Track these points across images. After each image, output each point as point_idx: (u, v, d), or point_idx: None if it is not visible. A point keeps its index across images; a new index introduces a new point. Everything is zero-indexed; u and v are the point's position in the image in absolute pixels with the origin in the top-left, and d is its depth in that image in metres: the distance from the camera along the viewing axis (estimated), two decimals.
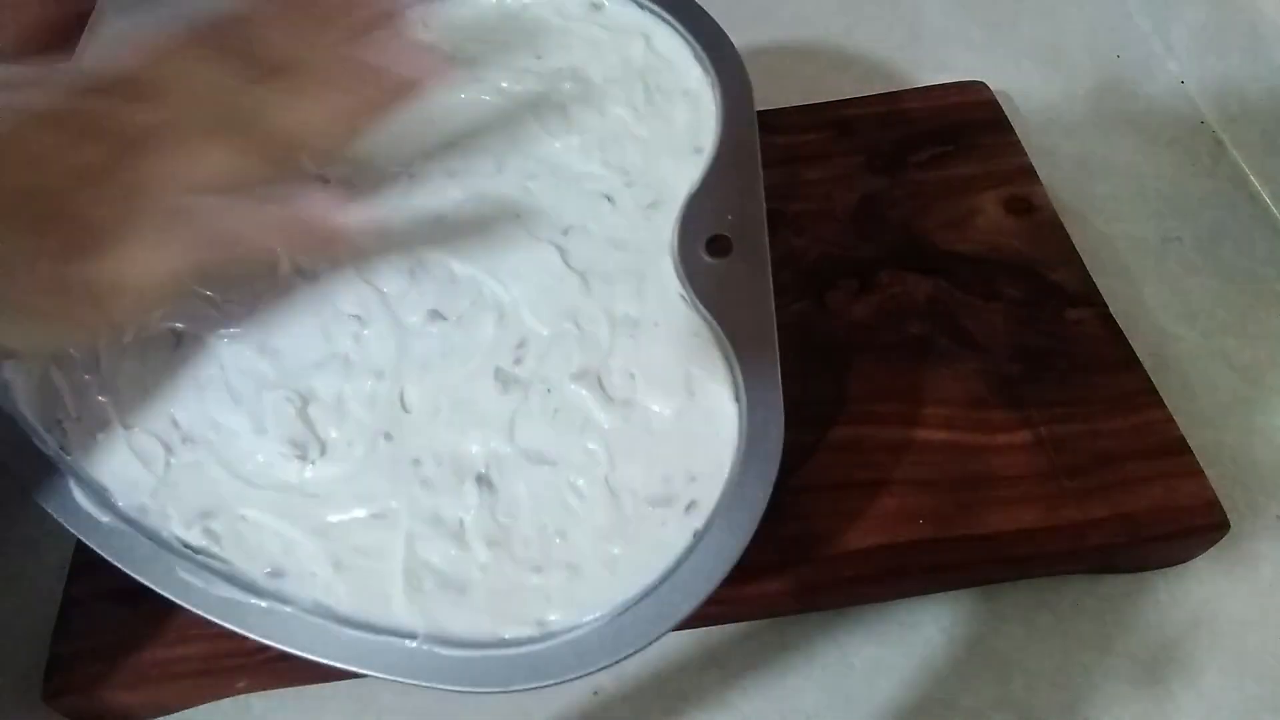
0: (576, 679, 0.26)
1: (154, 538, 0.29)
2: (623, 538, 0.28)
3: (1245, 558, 0.38)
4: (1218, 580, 0.38)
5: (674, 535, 0.28)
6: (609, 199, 0.34)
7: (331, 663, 0.27)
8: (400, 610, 0.28)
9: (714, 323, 0.31)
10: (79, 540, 0.29)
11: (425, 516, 0.29)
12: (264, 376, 0.31)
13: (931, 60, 0.57)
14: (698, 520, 0.28)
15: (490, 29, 0.38)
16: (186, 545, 0.29)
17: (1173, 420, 0.38)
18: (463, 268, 0.33)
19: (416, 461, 0.30)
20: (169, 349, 0.32)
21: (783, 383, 0.31)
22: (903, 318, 0.42)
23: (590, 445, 0.30)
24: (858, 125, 0.49)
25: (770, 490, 0.28)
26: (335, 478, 0.30)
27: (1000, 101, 0.50)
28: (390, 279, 0.33)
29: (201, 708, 0.37)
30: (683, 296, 0.32)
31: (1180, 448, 0.37)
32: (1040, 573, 0.38)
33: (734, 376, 0.30)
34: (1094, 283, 0.42)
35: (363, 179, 0.35)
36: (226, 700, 0.37)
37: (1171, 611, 0.37)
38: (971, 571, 0.36)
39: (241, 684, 0.36)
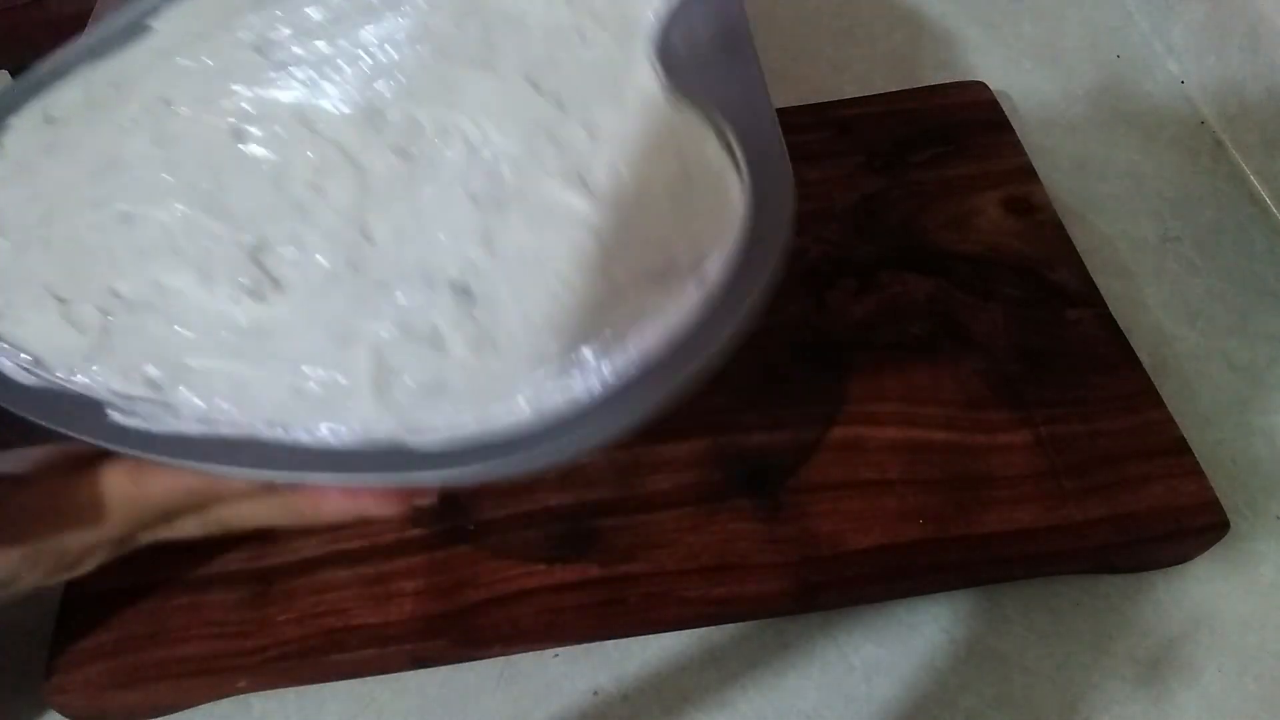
0: (599, 444, 0.24)
1: (86, 394, 0.27)
2: (621, 315, 0.26)
3: (1245, 558, 0.38)
4: (1218, 580, 0.38)
5: (680, 303, 0.26)
6: (579, 33, 0.33)
7: (307, 475, 0.25)
8: (368, 416, 0.25)
9: (704, 103, 0.30)
10: None
11: (396, 329, 0.27)
12: (213, 233, 0.30)
13: (931, 60, 0.57)
14: (707, 285, 0.26)
15: None
16: (123, 396, 0.27)
17: (1173, 420, 0.38)
18: (427, 112, 0.32)
19: (383, 284, 0.28)
20: (116, 227, 0.31)
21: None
22: (903, 318, 0.42)
23: (575, 236, 0.28)
24: (858, 125, 0.49)
25: (786, 241, 0.27)
26: (292, 311, 0.28)
27: (1000, 101, 0.50)
28: (347, 130, 0.32)
29: (201, 708, 0.37)
30: (667, 95, 0.31)
31: (1180, 448, 0.37)
32: (1040, 573, 0.38)
33: (731, 149, 0.29)
34: (1094, 283, 0.42)
35: (322, 56, 0.34)
36: (226, 700, 0.37)
37: (1171, 611, 0.37)
38: (971, 571, 0.36)
39: (241, 684, 0.36)
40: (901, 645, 0.37)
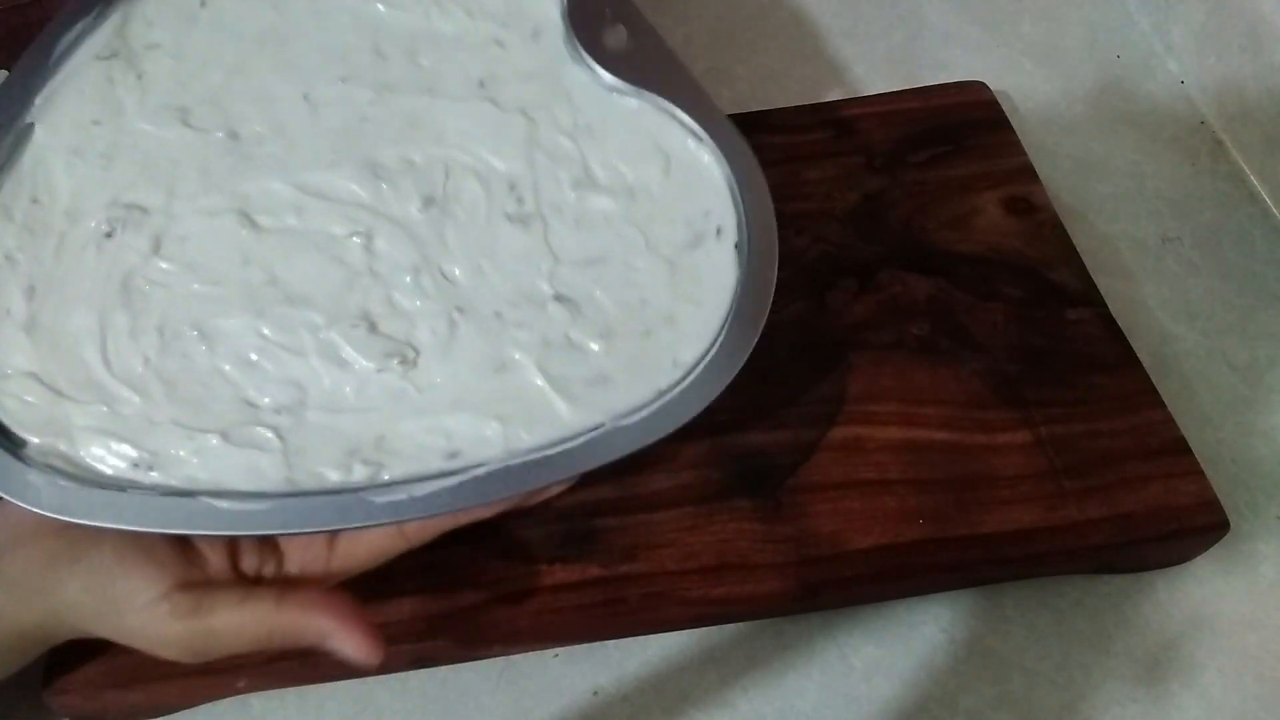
0: (736, 377, 0.31)
1: (319, 494, 0.29)
2: (689, 279, 0.32)
3: (1245, 558, 0.38)
4: (1218, 580, 0.38)
5: (722, 258, 0.33)
6: (498, 43, 0.37)
7: (568, 474, 0.29)
8: (574, 418, 0.30)
9: (646, 93, 0.35)
10: None
11: (538, 346, 0.31)
12: (311, 322, 0.31)
13: (931, 60, 0.57)
14: (731, 238, 0.33)
15: None
16: (351, 487, 0.29)
17: (1173, 420, 0.38)
18: (417, 152, 0.34)
19: (498, 315, 0.32)
20: (198, 347, 0.31)
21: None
22: (903, 318, 0.42)
23: (619, 231, 0.33)
24: (858, 125, 0.49)
25: (768, 187, 0.33)
26: (441, 361, 0.31)
27: (1000, 101, 0.50)
28: (360, 191, 0.34)
29: (201, 708, 0.37)
30: (607, 88, 0.36)
31: (1180, 448, 0.37)
32: (1040, 573, 0.38)
33: (688, 126, 0.35)
34: (1094, 283, 0.42)
35: (264, 118, 0.35)
36: (226, 700, 0.37)
37: (1171, 611, 0.37)
38: (971, 571, 0.36)
39: (241, 684, 0.36)
40: (901, 645, 0.37)
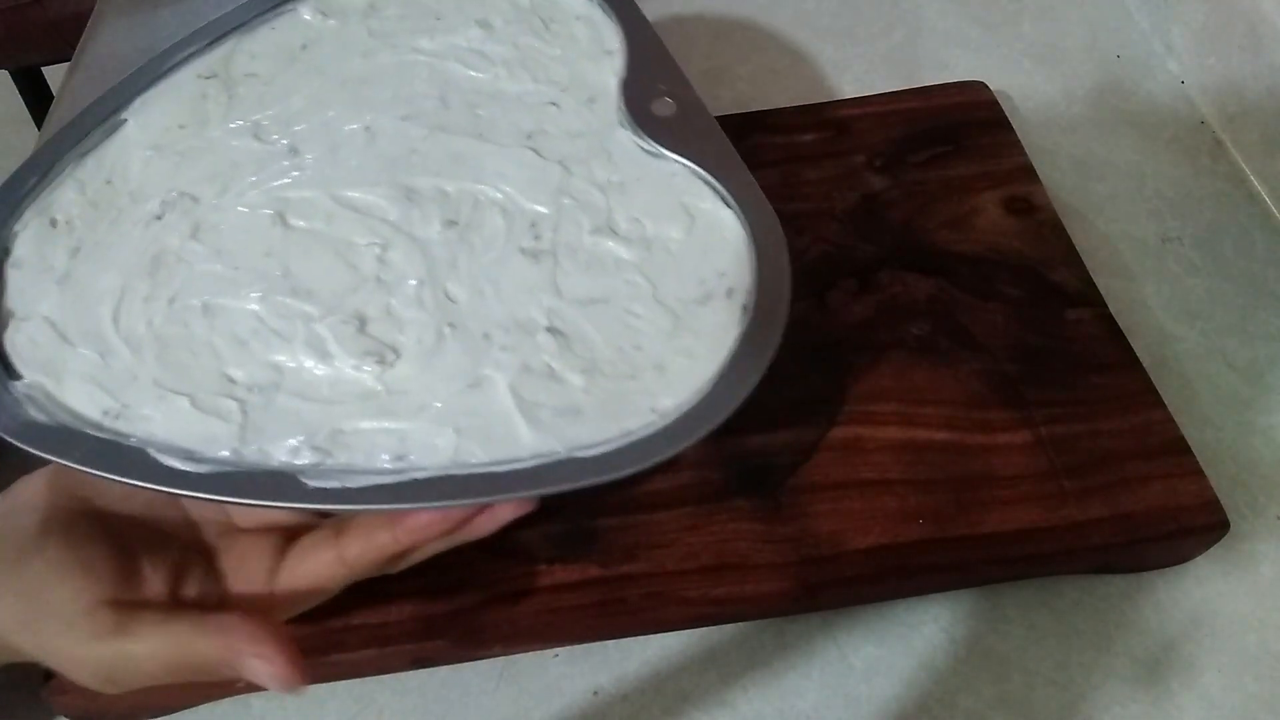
0: (714, 429, 0.30)
1: (258, 472, 0.29)
2: (689, 332, 0.32)
3: (1245, 558, 0.38)
4: (1218, 580, 0.38)
5: (728, 317, 0.32)
6: (554, 104, 0.38)
7: (508, 496, 0.29)
8: (533, 442, 0.29)
9: (684, 160, 0.36)
10: None
11: (516, 370, 0.31)
12: (307, 314, 0.32)
13: (931, 60, 0.57)
14: (741, 300, 0.32)
15: (382, 4, 0.42)
16: (289, 470, 0.29)
17: (1173, 420, 0.38)
18: (452, 185, 0.36)
19: (487, 336, 0.32)
20: (200, 320, 0.32)
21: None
22: (903, 318, 0.42)
23: (629, 278, 0.33)
24: (858, 125, 0.49)
25: (788, 259, 0.33)
26: (419, 370, 0.31)
27: (1000, 101, 0.50)
28: (390, 209, 0.35)
29: (201, 708, 0.37)
30: (648, 152, 0.36)
31: (1180, 448, 0.37)
32: (1040, 573, 0.38)
33: (719, 192, 0.35)
34: (1094, 283, 0.42)
35: (321, 141, 0.37)
36: (226, 700, 0.37)
37: (1171, 611, 0.37)
38: (971, 571, 0.36)
39: (241, 684, 0.36)
40: (901, 645, 0.37)
